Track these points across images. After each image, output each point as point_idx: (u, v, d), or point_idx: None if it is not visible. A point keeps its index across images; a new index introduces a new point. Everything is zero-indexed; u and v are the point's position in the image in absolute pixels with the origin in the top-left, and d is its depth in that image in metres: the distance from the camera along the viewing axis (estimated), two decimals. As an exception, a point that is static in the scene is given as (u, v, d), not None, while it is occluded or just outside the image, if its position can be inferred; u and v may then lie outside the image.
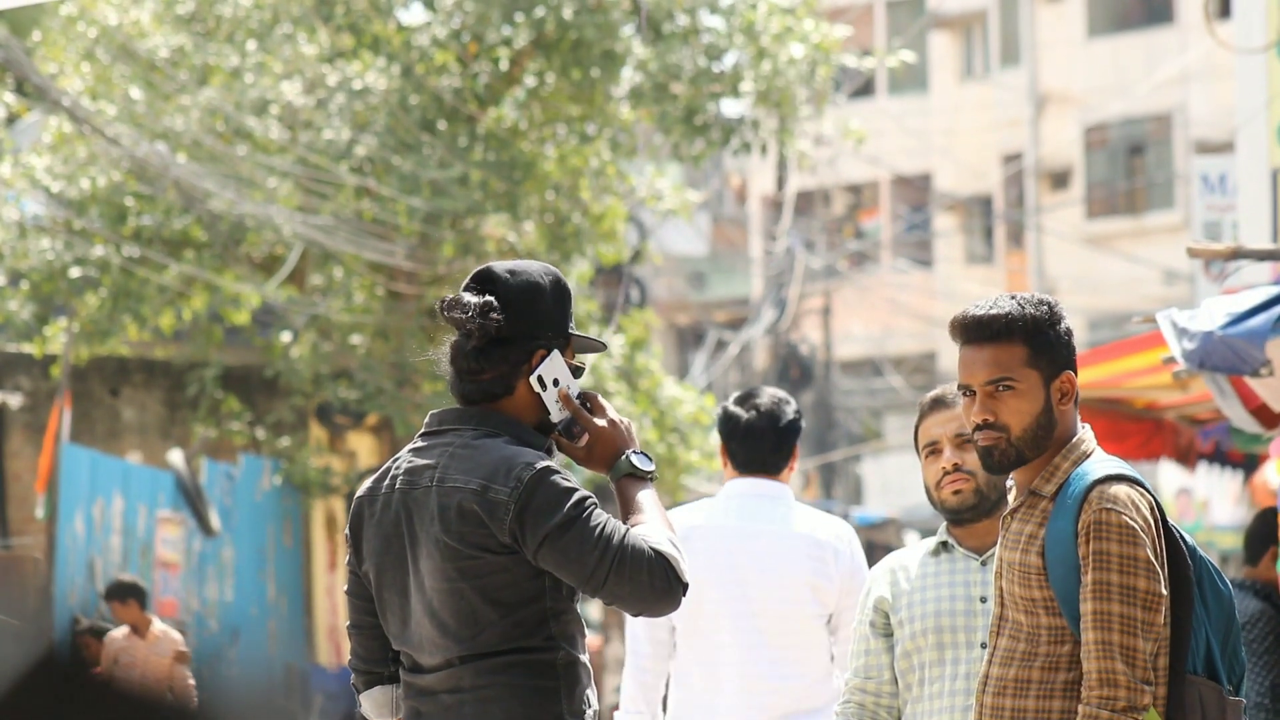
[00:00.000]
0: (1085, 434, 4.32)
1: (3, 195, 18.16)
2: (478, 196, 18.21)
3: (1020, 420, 4.28)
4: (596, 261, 20.34)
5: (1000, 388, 4.29)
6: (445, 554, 4.22)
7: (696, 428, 20.01)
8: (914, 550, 5.33)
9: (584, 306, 19.68)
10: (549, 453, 4.35)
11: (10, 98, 18.48)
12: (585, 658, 4.31)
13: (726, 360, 33.48)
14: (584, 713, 4.26)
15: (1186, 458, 10.97)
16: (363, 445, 21.82)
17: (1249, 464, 12.00)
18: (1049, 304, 4.34)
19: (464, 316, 4.26)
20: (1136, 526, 4.13)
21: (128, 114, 17.83)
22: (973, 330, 4.32)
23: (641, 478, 4.36)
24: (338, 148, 17.91)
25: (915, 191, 40.59)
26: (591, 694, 4.31)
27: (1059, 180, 38.23)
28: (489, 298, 4.28)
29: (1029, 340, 4.29)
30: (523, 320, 4.30)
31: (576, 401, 4.37)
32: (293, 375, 18.95)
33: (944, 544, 5.25)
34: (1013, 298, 4.36)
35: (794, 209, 32.00)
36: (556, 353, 4.33)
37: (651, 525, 4.25)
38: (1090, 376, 9.43)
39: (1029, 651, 4.25)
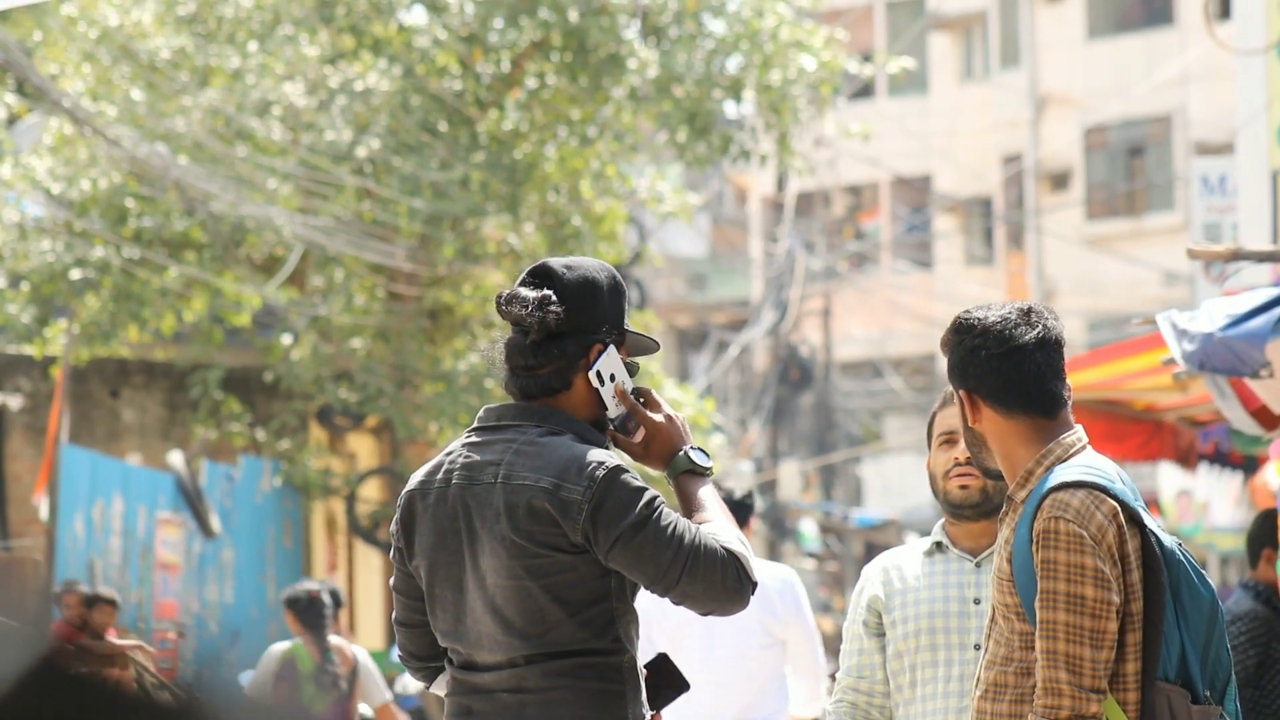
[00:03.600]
0: (1067, 439, 4.31)
1: (3, 197, 18.16)
2: (478, 198, 18.21)
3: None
4: (597, 263, 20.34)
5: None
6: (512, 551, 4.17)
7: (697, 430, 20.02)
8: (908, 550, 5.33)
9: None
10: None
11: (11, 99, 18.48)
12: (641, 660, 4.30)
13: (727, 362, 33.50)
14: (645, 717, 4.24)
15: (1186, 459, 10.98)
16: (363, 447, 21.82)
17: (1249, 465, 12.02)
18: (956, 323, 4.38)
19: (523, 311, 4.22)
20: (1085, 534, 4.11)
21: (129, 115, 17.83)
22: None
23: (700, 474, 4.35)
24: (339, 149, 17.92)
25: (915, 193, 40.59)
26: (644, 701, 4.27)
27: (1059, 181, 38.23)
28: (547, 291, 4.25)
29: (949, 360, 4.41)
30: (580, 315, 4.27)
31: (632, 397, 4.35)
32: (293, 377, 18.95)
33: (938, 544, 5.25)
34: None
35: (794, 210, 32.01)
36: (613, 348, 4.30)
37: (718, 523, 4.23)
38: (1090, 378, 9.44)
39: (1006, 656, 4.27)
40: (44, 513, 15.78)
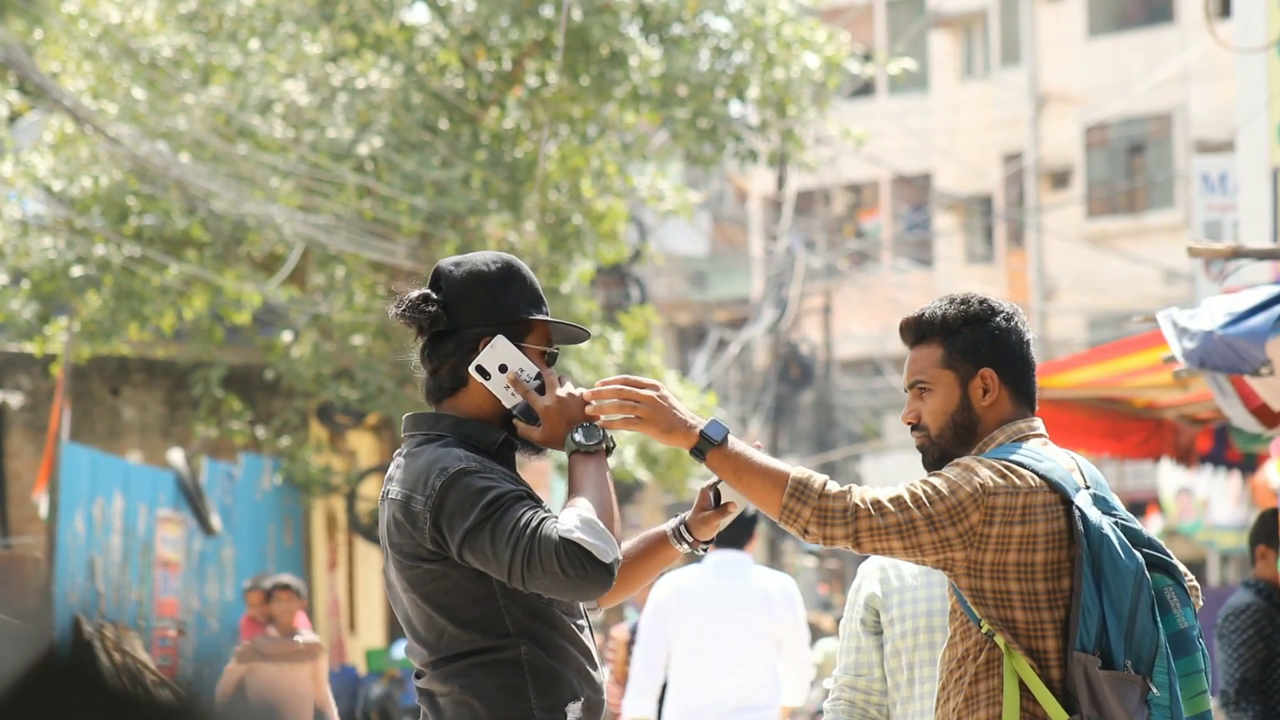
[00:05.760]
0: (1015, 427, 4.32)
1: (4, 194, 18.17)
2: (479, 196, 18.21)
3: (936, 420, 4.35)
4: (597, 261, 20.34)
5: (919, 390, 4.37)
6: (397, 566, 4.27)
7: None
8: (906, 549, 5.33)
9: (584, 306, 19.68)
10: (507, 444, 4.30)
11: (12, 96, 18.48)
12: (576, 649, 4.26)
13: (727, 360, 33.49)
14: (562, 707, 4.21)
15: (1186, 457, 10.99)
16: (363, 445, 21.82)
17: (1249, 463, 12.01)
18: (971, 302, 4.37)
19: (399, 310, 4.27)
20: (976, 467, 4.17)
21: (130, 113, 17.83)
22: (901, 334, 4.44)
23: (588, 453, 4.27)
24: (340, 147, 17.92)
25: (915, 191, 40.58)
26: (581, 684, 4.25)
27: (1059, 179, 38.21)
28: (425, 290, 4.27)
29: (944, 341, 4.34)
30: (464, 310, 4.27)
31: (526, 384, 4.30)
32: (294, 375, 18.95)
33: (936, 543, 5.25)
34: (946, 299, 4.39)
35: (794, 208, 32.00)
36: (501, 338, 4.27)
37: (577, 509, 4.15)
38: (1090, 376, 9.45)
39: (961, 649, 4.29)
40: (44, 510, 15.78)
